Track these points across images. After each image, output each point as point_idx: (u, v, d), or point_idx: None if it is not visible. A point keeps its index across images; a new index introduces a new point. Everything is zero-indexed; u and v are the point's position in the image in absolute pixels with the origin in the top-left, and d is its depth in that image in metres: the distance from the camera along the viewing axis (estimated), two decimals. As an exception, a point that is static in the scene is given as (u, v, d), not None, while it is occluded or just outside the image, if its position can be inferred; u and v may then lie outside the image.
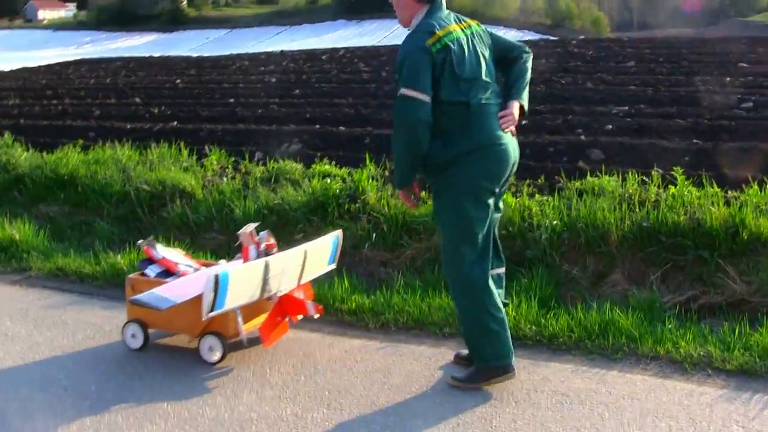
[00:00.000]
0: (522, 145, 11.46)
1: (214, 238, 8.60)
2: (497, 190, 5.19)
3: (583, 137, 12.17)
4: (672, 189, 7.33)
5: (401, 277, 7.14)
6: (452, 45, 4.97)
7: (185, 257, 6.63)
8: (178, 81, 27.62)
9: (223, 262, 6.58)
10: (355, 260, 7.68)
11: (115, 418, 4.97)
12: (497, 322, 5.09)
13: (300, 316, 6.15)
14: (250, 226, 6.28)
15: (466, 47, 5.05)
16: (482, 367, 5.16)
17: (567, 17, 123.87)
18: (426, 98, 4.89)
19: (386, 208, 7.90)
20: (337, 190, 8.31)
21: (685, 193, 7.19)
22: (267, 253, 6.07)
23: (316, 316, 6.08)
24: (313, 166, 9.46)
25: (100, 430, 4.80)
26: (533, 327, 5.99)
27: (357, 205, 8.10)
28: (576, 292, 6.76)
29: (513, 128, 5.21)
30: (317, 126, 13.44)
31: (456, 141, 5.00)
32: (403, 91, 4.93)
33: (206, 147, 11.18)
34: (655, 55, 26.00)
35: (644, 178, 7.99)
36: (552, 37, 62.01)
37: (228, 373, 5.62)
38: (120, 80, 30.61)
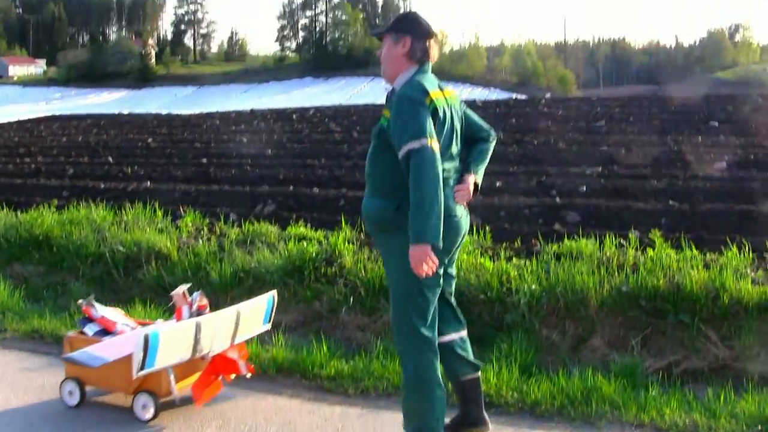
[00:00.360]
0: (497, 208, 11.64)
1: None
2: (446, 259, 5.06)
3: (558, 199, 12.22)
4: (650, 252, 7.35)
5: (380, 342, 7.07)
6: (440, 110, 4.92)
7: (124, 316, 6.66)
8: (149, 140, 27.63)
9: (160, 321, 6.57)
10: (332, 324, 7.63)
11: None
12: (441, 390, 4.96)
13: (233, 376, 6.22)
14: (183, 287, 6.42)
15: (444, 118, 4.99)
16: None
17: (533, 75, 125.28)
18: (436, 144, 4.76)
19: (363, 271, 7.86)
20: (314, 254, 8.26)
21: (664, 256, 7.22)
22: (199, 313, 6.20)
23: (248, 375, 6.21)
24: (289, 228, 9.45)
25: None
26: (515, 394, 5.95)
27: (333, 268, 8.04)
28: (556, 357, 6.73)
29: (465, 202, 5.15)
30: (291, 187, 13.44)
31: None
32: (415, 144, 4.72)
33: (180, 208, 11.14)
34: (625, 114, 26.28)
35: (622, 240, 8.02)
36: (520, 96, 62.46)
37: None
38: (92, 138, 30.62)
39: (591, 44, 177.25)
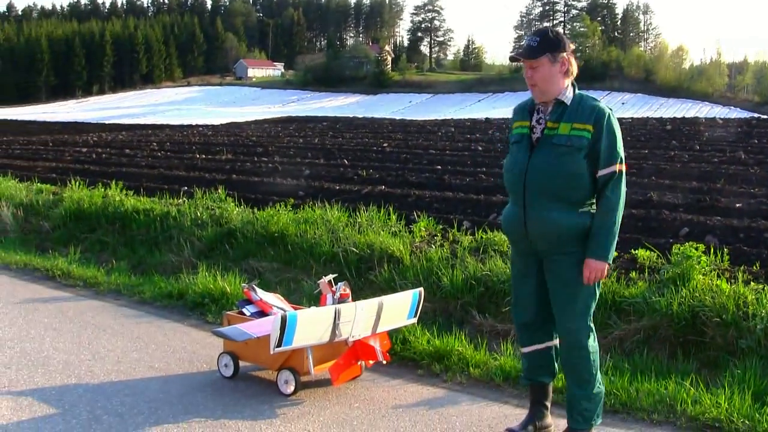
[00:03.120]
0: (735, 230, 11.28)
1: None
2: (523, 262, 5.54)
3: (800, 225, 11.71)
4: None
5: (609, 358, 6.98)
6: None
7: (281, 301, 7.32)
8: (385, 144, 28.07)
9: (314, 308, 7.02)
10: (559, 338, 7.57)
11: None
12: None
13: (372, 362, 6.77)
14: (329, 276, 7.10)
15: None
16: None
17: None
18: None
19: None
20: (545, 266, 8.23)
21: None
22: (341, 301, 6.76)
23: (384, 362, 6.77)
24: (521, 238, 9.38)
25: None
26: (746, 421, 5.75)
27: (564, 282, 8.00)
28: (793, 387, 6.47)
29: None
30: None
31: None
32: (622, 167, 5.19)
33: (414, 213, 11.26)
34: None
35: None
36: (762, 116, 60.38)
37: None
38: (327, 140, 31.35)
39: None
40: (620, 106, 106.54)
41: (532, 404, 5.74)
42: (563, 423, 5.54)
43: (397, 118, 51.03)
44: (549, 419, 5.69)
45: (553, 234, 5.24)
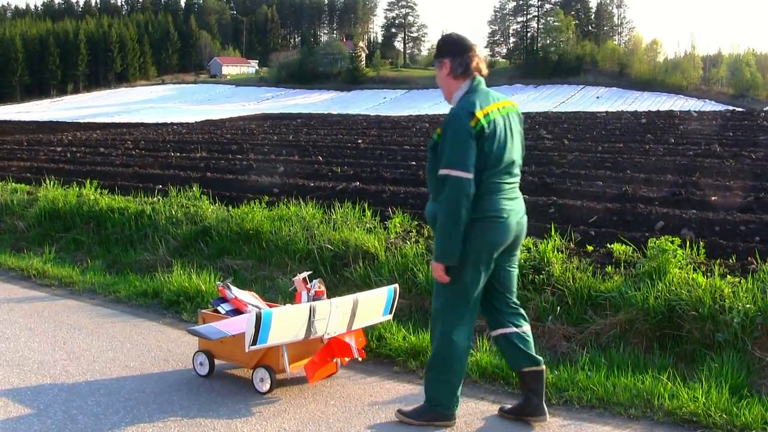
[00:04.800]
0: (711, 223, 11.30)
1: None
2: (495, 255, 5.58)
3: (777, 216, 11.74)
4: None
5: (585, 354, 6.97)
6: (487, 126, 5.41)
7: (256, 299, 7.33)
8: (359, 141, 28.04)
9: (289, 305, 6.95)
10: (538, 333, 7.51)
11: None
12: (458, 379, 5.68)
13: (347, 359, 6.76)
14: (303, 274, 7.15)
15: (494, 131, 5.46)
16: (429, 410, 5.72)
17: (751, 87, 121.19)
18: (471, 176, 5.35)
19: (571, 281, 7.77)
20: (522, 261, 8.20)
21: None
22: (316, 298, 6.83)
23: (360, 359, 6.80)
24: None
25: None
26: (723, 415, 5.75)
27: (542, 276, 7.98)
28: (770, 380, 6.48)
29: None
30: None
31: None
32: (452, 171, 5.38)
33: (389, 209, 11.23)
34: None
35: None
36: (737, 108, 60.63)
37: None
38: (302, 137, 31.28)
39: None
40: (594, 101, 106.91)
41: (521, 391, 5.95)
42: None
43: (372, 114, 50.83)
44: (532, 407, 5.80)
45: (431, 224, 5.74)
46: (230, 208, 12.02)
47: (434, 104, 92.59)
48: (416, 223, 10.45)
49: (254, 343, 6.11)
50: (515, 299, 5.90)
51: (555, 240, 8.67)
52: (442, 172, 5.40)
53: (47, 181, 15.84)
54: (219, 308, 7.13)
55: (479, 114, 5.38)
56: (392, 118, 42.74)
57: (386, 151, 23.39)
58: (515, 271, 5.89)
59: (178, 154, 25.81)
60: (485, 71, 5.73)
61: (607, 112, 46.85)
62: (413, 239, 9.56)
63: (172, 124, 54.79)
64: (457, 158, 5.35)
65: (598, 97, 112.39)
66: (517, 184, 5.70)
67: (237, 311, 7.01)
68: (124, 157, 25.73)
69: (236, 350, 6.57)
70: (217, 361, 6.94)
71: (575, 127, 29.87)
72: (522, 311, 5.91)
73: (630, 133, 27.68)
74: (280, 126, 40.73)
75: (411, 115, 44.99)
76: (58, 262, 11.62)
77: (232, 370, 7.05)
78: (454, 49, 5.65)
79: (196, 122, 51.00)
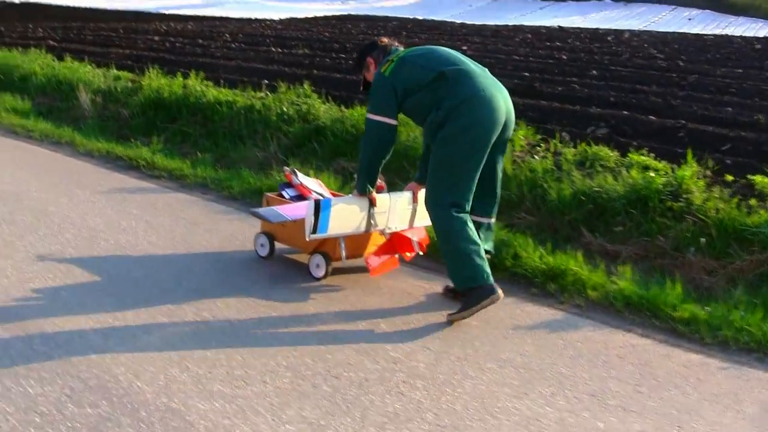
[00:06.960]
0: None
1: (523, 218, 8.17)
2: (492, 138, 5.96)
3: None
4: None
5: (735, 290, 6.48)
6: (405, 57, 6.14)
7: (321, 187, 7.47)
8: (465, 48, 27.34)
9: (349, 195, 6.94)
10: (676, 263, 7.09)
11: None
12: (473, 245, 5.85)
13: (409, 254, 6.83)
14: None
15: (425, 52, 6.29)
16: (467, 293, 5.84)
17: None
18: (392, 122, 6.08)
19: (713, 211, 7.29)
20: (660, 185, 7.74)
21: None
22: (378, 192, 6.74)
23: (420, 252, 6.85)
24: (629, 155, 8.80)
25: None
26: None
27: (680, 203, 7.51)
28: None
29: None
30: (625, 112, 12.71)
31: (444, 103, 5.88)
32: (370, 116, 6.18)
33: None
34: None
35: None
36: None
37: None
38: (403, 41, 30.62)
39: None
40: (687, 22, 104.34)
41: None
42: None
43: (457, 21, 49.68)
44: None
45: None
46: (343, 108, 11.64)
47: (521, 15, 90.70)
48: (539, 137, 9.95)
49: (314, 231, 6.24)
50: (497, 190, 6.46)
51: (693, 166, 8.10)
52: (367, 116, 6.22)
53: (150, 70, 15.49)
54: (284, 192, 7.27)
55: (392, 58, 6.18)
56: (491, 27, 41.71)
57: (494, 59, 22.62)
58: (501, 164, 6.42)
59: (279, 49, 25.32)
60: (396, 43, 6.57)
61: (714, 35, 45.28)
62: (541, 154, 9.11)
63: (263, 19, 54.20)
64: (376, 105, 6.12)
65: (690, 19, 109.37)
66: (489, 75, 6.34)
67: (301, 197, 7.10)
68: (224, 50, 25.29)
69: (297, 235, 6.65)
70: (277, 244, 7.18)
71: (686, 48, 28.79)
72: (496, 207, 6.54)
73: (746, 58, 26.58)
74: (376, 27, 40.02)
75: (507, 25, 43.95)
76: (166, 154, 11.43)
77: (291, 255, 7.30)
78: (368, 49, 6.57)
79: (280, 19, 50.30)
